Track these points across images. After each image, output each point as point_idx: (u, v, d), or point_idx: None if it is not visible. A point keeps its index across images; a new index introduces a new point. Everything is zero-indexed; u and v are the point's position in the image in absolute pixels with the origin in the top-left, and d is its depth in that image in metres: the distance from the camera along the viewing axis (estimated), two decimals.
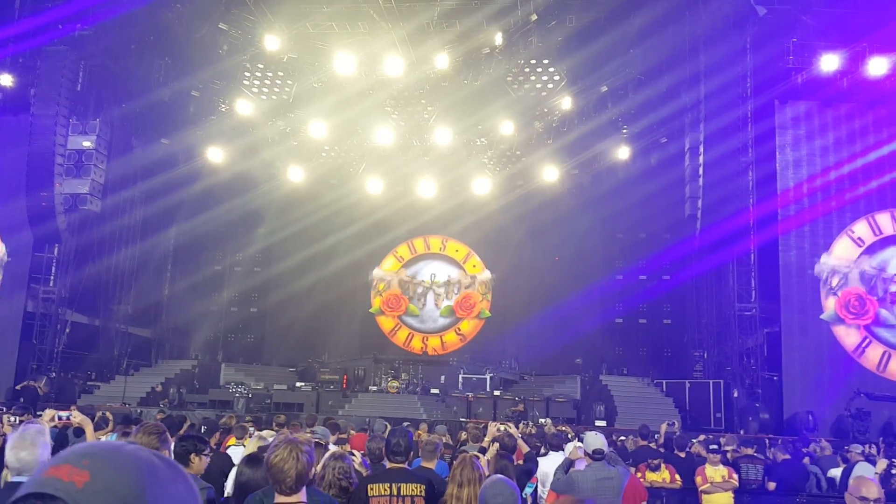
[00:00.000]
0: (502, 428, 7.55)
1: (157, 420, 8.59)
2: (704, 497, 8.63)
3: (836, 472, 9.94)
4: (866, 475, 4.13)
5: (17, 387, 18.87)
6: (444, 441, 9.46)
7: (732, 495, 8.70)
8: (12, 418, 8.03)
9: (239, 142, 23.42)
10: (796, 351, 18.86)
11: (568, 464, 6.37)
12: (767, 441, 14.11)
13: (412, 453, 5.37)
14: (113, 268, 23.00)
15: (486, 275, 26.81)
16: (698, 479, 8.71)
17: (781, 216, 19.43)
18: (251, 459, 4.97)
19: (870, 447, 11.89)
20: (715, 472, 8.72)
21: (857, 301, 19.08)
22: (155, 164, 22.84)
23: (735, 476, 8.88)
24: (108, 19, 19.42)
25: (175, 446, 4.48)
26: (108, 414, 9.27)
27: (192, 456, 4.46)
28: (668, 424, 12.71)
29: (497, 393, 20.48)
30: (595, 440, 6.14)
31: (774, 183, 19.47)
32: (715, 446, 9.23)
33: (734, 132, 18.81)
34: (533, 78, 21.77)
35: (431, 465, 5.64)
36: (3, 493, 3.43)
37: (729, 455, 10.39)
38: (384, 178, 24.97)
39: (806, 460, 10.61)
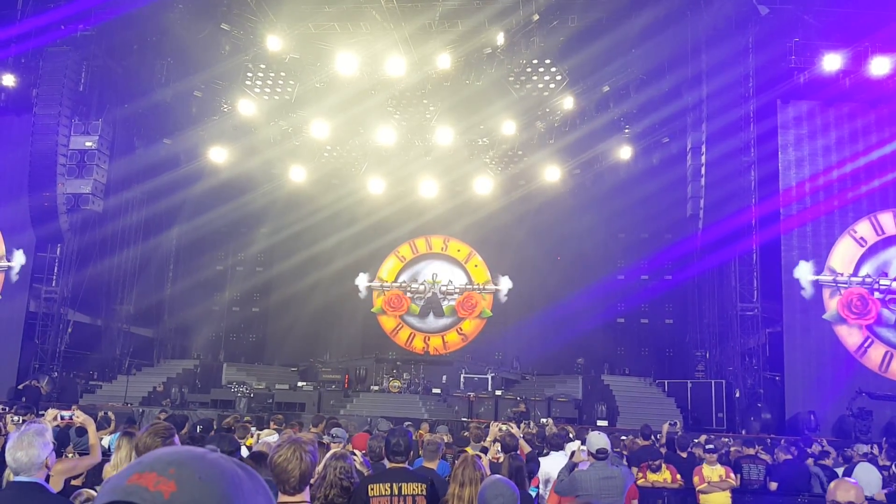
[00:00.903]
0: (504, 428, 7.56)
1: (160, 419, 8.61)
2: (702, 497, 8.64)
3: (838, 472, 9.93)
4: (848, 479, 4.04)
5: (20, 386, 18.91)
6: (446, 441, 9.46)
7: (730, 495, 8.70)
8: (16, 418, 8.05)
9: (241, 142, 23.44)
10: (798, 351, 18.84)
11: (572, 466, 6.37)
12: (769, 440, 14.11)
13: (412, 453, 5.37)
14: (115, 268, 23.02)
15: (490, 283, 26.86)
16: (696, 480, 8.72)
17: (783, 215, 19.40)
18: (254, 457, 4.98)
19: (872, 447, 11.88)
20: (712, 471, 8.73)
21: (860, 301, 19.06)
22: (157, 165, 22.86)
23: (733, 475, 8.87)
24: (110, 20, 19.46)
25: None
26: (110, 414, 9.29)
27: None
28: (669, 424, 12.71)
29: (499, 393, 20.48)
30: (598, 440, 6.17)
31: (776, 182, 19.45)
32: (711, 446, 9.21)
33: (736, 131, 18.79)
34: (535, 78, 21.76)
35: (433, 465, 5.64)
36: (4, 493, 3.44)
37: (731, 455, 10.41)
38: (386, 177, 24.98)
39: (828, 462, 10.53)
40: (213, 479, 0.84)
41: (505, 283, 26.53)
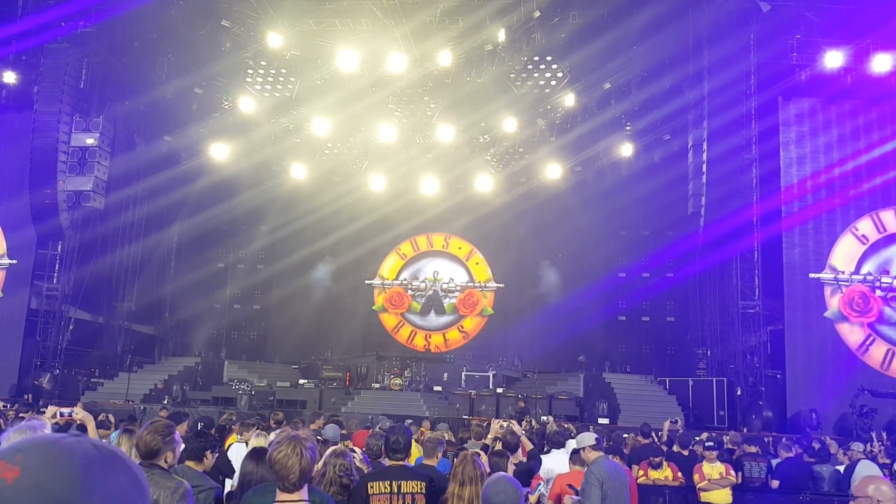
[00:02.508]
0: (505, 425, 7.53)
1: (161, 416, 8.60)
2: (703, 494, 8.63)
3: (839, 470, 9.93)
4: (875, 474, 3.97)
5: (26, 396, 18.52)
6: (447, 438, 9.44)
7: (731, 492, 8.69)
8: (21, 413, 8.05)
9: (242, 139, 23.43)
10: (800, 349, 18.82)
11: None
12: (770, 439, 14.09)
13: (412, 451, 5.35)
14: (116, 265, 23.03)
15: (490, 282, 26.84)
16: (696, 477, 8.70)
17: (785, 213, 19.38)
18: (256, 453, 4.98)
19: (870, 446, 11.85)
20: (712, 469, 8.72)
21: (861, 299, 19.03)
22: (158, 162, 22.87)
23: (733, 473, 8.85)
24: (111, 17, 19.45)
25: (192, 442, 4.49)
26: (110, 416, 9.23)
27: (208, 453, 4.49)
28: (671, 422, 12.70)
29: (500, 390, 20.47)
30: (588, 434, 6.29)
31: (778, 180, 19.42)
32: (711, 443, 9.17)
33: (738, 129, 18.76)
34: (536, 75, 21.72)
35: (433, 462, 5.62)
36: None
37: (735, 454, 10.39)
38: (387, 175, 24.96)
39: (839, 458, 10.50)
40: (58, 461, 0.87)
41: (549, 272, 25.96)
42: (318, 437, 6.67)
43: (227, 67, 21.51)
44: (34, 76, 20.67)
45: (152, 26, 20.41)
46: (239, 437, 8.24)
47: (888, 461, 10.43)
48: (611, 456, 6.68)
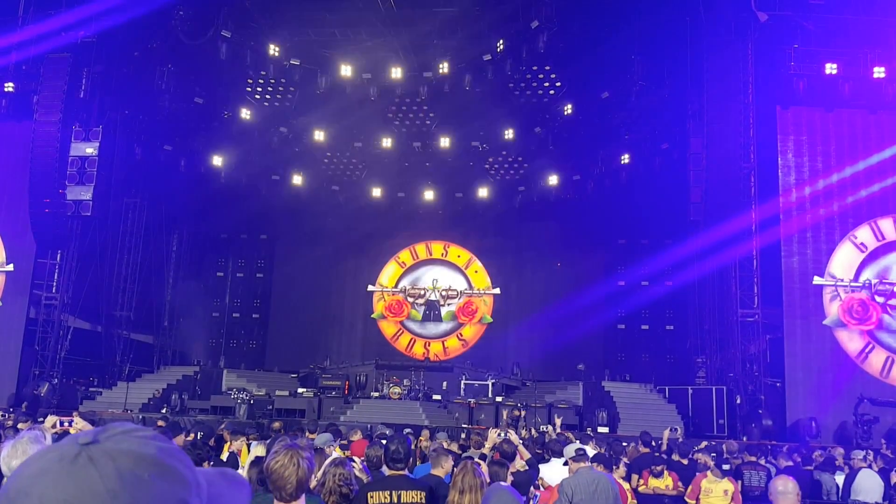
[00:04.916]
0: (502, 434, 7.53)
1: (159, 427, 8.58)
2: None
3: (839, 479, 9.90)
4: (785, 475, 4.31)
5: (23, 406, 18.45)
6: (447, 447, 9.43)
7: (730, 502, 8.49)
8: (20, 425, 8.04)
9: (241, 148, 23.48)
10: (799, 357, 18.80)
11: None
12: (770, 447, 14.06)
13: (412, 460, 5.35)
14: (115, 274, 23.02)
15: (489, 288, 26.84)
16: (689, 489, 8.46)
17: (783, 221, 19.39)
18: (258, 463, 4.98)
19: (867, 453, 11.80)
20: (714, 485, 8.25)
21: (861, 306, 19.02)
22: (157, 171, 22.89)
23: (740, 497, 8.54)
24: (111, 26, 19.51)
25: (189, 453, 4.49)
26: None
27: (206, 464, 4.50)
28: (671, 431, 12.66)
29: (499, 399, 20.43)
30: (572, 447, 6.34)
31: (776, 187, 19.45)
32: (727, 467, 8.73)
33: (736, 137, 18.80)
34: (534, 84, 21.80)
35: (440, 472, 5.57)
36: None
37: (734, 463, 10.34)
38: (386, 183, 25.02)
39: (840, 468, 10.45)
40: None
41: None
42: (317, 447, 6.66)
43: (227, 77, 21.59)
44: (34, 85, 20.69)
45: (152, 36, 20.48)
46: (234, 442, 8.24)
47: (881, 466, 10.38)
48: (601, 466, 6.69)
